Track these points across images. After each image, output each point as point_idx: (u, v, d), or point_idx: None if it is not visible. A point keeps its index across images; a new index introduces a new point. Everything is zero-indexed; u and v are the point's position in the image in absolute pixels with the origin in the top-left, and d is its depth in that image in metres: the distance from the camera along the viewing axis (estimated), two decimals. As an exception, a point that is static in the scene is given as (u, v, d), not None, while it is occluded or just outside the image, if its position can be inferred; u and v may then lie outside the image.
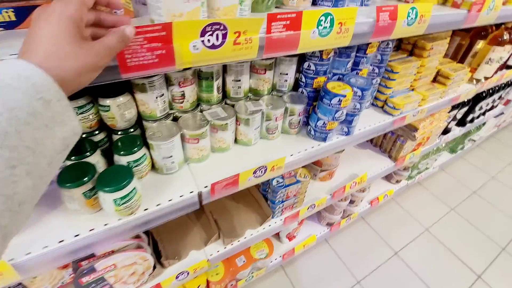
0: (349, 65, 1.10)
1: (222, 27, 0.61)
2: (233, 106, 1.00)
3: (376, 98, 1.33)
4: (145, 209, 0.81)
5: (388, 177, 2.07)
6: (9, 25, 0.56)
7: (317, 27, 0.75)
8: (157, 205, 0.82)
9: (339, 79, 1.11)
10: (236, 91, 0.99)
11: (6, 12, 0.55)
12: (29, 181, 0.31)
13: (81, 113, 0.80)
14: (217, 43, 0.62)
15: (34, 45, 0.34)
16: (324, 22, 0.76)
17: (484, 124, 2.44)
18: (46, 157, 0.32)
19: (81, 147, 0.81)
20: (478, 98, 1.91)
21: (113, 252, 0.97)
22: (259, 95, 1.04)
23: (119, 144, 0.83)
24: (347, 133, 1.13)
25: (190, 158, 0.94)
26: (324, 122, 1.04)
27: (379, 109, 1.34)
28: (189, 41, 0.59)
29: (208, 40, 0.61)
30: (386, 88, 1.28)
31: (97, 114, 0.84)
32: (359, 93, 1.05)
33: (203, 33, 0.59)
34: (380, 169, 1.59)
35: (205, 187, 0.88)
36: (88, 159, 0.80)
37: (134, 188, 0.75)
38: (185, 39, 0.58)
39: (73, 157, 0.78)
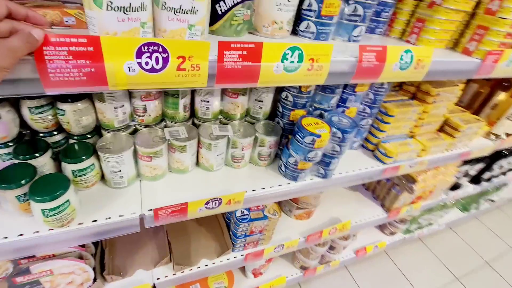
0: (334, 101, 1.01)
1: (161, 49, 0.56)
2: (199, 126, 0.94)
3: (367, 140, 1.22)
4: (80, 223, 0.76)
5: (381, 227, 1.88)
6: None
7: (282, 61, 0.68)
8: (93, 221, 0.77)
9: (320, 115, 1.02)
10: (204, 112, 0.93)
11: None
12: None
13: (38, 113, 0.78)
14: (157, 67, 0.58)
15: None
16: (291, 56, 0.69)
17: (505, 184, 2.19)
18: None
19: (32, 147, 0.79)
20: (498, 155, 1.71)
21: (53, 256, 0.93)
22: (230, 119, 0.98)
23: (67, 150, 0.80)
24: (324, 176, 1.04)
25: (142, 175, 0.89)
26: (296, 160, 0.96)
27: (369, 153, 1.22)
28: (123, 61, 0.54)
29: (146, 63, 0.56)
30: (378, 131, 1.17)
31: (55, 115, 0.82)
32: (339, 134, 0.95)
33: (139, 54, 0.55)
34: (369, 218, 1.44)
35: (149, 210, 0.82)
36: (37, 160, 0.77)
37: (67, 201, 0.71)
38: (118, 58, 0.54)
39: (21, 156, 0.76)
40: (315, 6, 0.80)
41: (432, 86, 1.15)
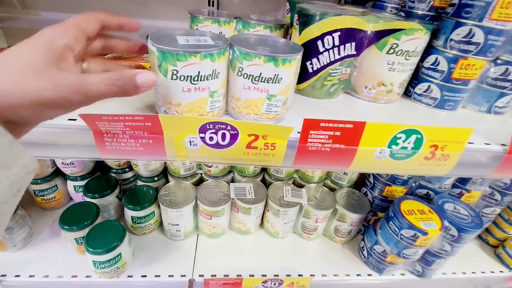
0: (450, 181, 0.75)
1: (229, 127, 0.45)
2: (269, 185, 0.81)
3: (488, 231, 0.88)
4: (129, 276, 0.72)
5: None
6: None
7: (389, 147, 0.49)
8: (143, 276, 0.72)
9: (426, 197, 0.76)
10: (277, 169, 0.80)
11: None
12: None
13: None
14: (223, 143, 0.47)
15: None
16: (404, 141, 0.49)
17: None
18: None
19: (102, 183, 0.79)
20: None
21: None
22: (307, 180, 0.82)
23: (132, 194, 0.77)
24: (421, 275, 0.77)
25: (201, 230, 0.81)
26: (385, 251, 0.73)
27: (488, 249, 0.88)
28: (184, 136, 0.45)
29: (211, 138, 0.46)
30: (509, 224, 0.83)
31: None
32: (454, 232, 0.69)
33: (203, 130, 0.45)
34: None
35: (200, 275, 0.73)
36: (103, 199, 0.78)
37: (119, 255, 0.67)
38: (179, 133, 0.45)
39: (90, 194, 0.76)
40: (443, 66, 0.58)
41: None
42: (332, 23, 0.52)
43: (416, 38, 0.54)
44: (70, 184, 0.82)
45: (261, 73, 0.44)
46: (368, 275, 0.77)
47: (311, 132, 0.47)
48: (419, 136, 0.49)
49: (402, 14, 0.65)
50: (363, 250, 0.80)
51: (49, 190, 0.81)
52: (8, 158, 0.24)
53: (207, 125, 0.45)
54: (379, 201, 0.80)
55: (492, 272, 0.81)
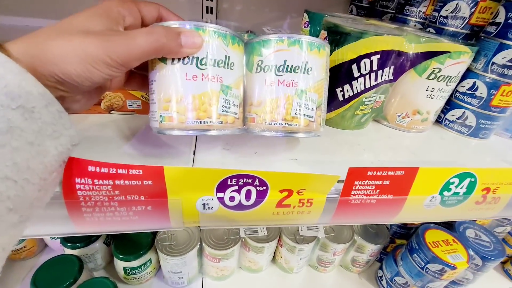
0: (472, 209, 0.70)
1: (257, 182, 0.34)
2: (280, 219, 0.72)
3: (499, 248, 0.86)
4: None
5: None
6: None
7: (441, 193, 0.42)
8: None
9: (447, 224, 0.71)
10: (289, 203, 0.70)
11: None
12: (13, 216, 0.23)
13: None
14: (247, 203, 0.36)
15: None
16: (457, 186, 0.42)
17: None
18: (34, 183, 0.24)
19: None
20: None
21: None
22: (321, 212, 0.74)
23: (120, 240, 0.64)
24: (439, 302, 0.73)
25: (206, 273, 0.70)
26: (406, 283, 0.67)
27: (496, 266, 0.86)
28: (196, 197, 0.34)
29: (231, 198, 0.35)
30: (522, 241, 0.81)
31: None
32: (478, 261, 0.64)
33: (222, 188, 0.34)
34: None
35: (208, 328, 0.62)
36: (89, 247, 0.64)
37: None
38: (190, 193, 0.34)
39: (69, 244, 0.62)
40: (482, 91, 0.51)
41: None
42: (372, 44, 0.43)
43: (460, 62, 0.46)
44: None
45: (285, 60, 0.34)
46: (388, 307, 0.71)
47: (355, 183, 0.38)
48: (472, 179, 0.42)
49: (432, 30, 0.57)
50: (382, 280, 0.73)
51: (17, 239, 0.65)
52: (57, 128, 0.25)
53: (228, 180, 0.34)
54: (398, 228, 0.74)
55: (504, 290, 0.79)
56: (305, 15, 0.60)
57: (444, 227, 0.68)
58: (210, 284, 0.70)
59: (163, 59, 0.31)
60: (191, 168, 0.33)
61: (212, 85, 0.32)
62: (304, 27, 0.61)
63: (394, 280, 0.69)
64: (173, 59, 0.30)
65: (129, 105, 0.45)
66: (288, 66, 0.34)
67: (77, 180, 0.29)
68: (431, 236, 0.64)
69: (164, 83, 0.31)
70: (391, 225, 0.74)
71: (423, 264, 0.62)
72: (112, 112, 0.45)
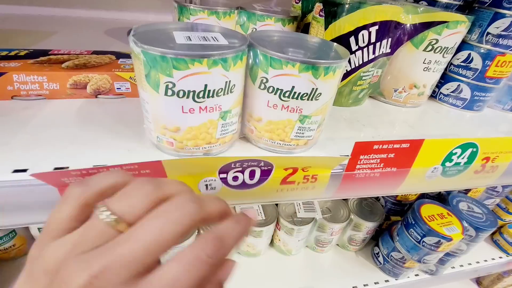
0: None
1: (262, 163, 0.31)
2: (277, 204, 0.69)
3: (486, 220, 0.87)
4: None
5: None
6: None
7: (443, 164, 0.39)
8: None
9: (439, 197, 0.70)
10: (286, 186, 0.68)
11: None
12: None
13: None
14: (250, 182, 0.33)
15: None
16: (459, 156, 0.40)
17: None
18: None
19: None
20: None
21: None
22: (317, 194, 0.71)
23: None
24: (434, 273, 0.72)
25: (205, 260, 0.67)
26: (403, 258, 0.66)
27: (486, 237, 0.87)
28: (197, 179, 0.31)
29: (235, 178, 0.32)
30: (506, 213, 0.81)
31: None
32: (472, 232, 0.63)
33: (225, 170, 0.31)
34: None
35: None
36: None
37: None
38: (191, 177, 0.30)
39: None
40: (477, 63, 0.49)
41: None
42: (371, 14, 0.39)
43: (457, 32, 0.44)
44: (34, 227, 0.61)
45: (293, 87, 0.30)
46: (385, 281, 0.70)
47: (361, 157, 0.35)
48: (474, 149, 0.40)
49: (424, 3, 0.54)
50: (378, 256, 0.72)
51: (6, 238, 0.60)
52: None
53: (232, 164, 0.30)
54: (392, 205, 0.72)
55: (493, 259, 0.80)
56: (297, -10, 0.56)
57: (437, 201, 0.67)
58: (210, 271, 0.67)
59: (155, 87, 0.26)
60: (192, 158, 0.30)
61: (211, 115, 0.29)
62: (296, 2, 0.57)
63: (391, 256, 0.68)
64: (166, 91, 0.26)
65: (117, 88, 0.40)
66: (295, 93, 0.30)
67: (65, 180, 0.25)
68: (426, 210, 0.63)
69: (159, 110, 0.28)
70: (385, 202, 0.73)
71: (420, 237, 0.61)
72: (99, 96, 0.40)
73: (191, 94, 0.27)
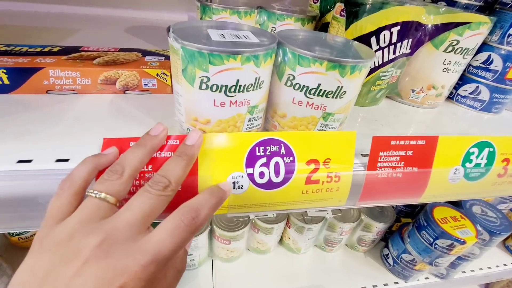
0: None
1: (283, 150, 0.32)
2: (289, 200, 0.70)
3: (499, 225, 0.86)
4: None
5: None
6: (0, 89, 0.38)
7: (463, 165, 0.40)
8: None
9: (452, 201, 0.70)
10: (298, 184, 0.68)
11: (-6, 73, 0.36)
12: None
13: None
14: (276, 179, 0.34)
15: None
16: (477, 156, 0.40)
17: None
18: None
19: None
20: None
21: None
22: (329, 193, 0.72)
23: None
24: (444, 277, 0.72)
25: (216, 255, 0.68)
26: (414, 260, 0.66)
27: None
28: (226, 173, 0.32)
29: (261, 174, 0.33)
30: (521, 217, 0.81)
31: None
32: (486, 236, 0.63)
33: (250, 162, 0.31)
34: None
35: (221, 308, 0.61)
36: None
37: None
38: (219, 167, 0.31)
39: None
40: (497, 64, 0.49)
41: None
42: (393, 14, 0.40)
43: (479, 33, 0.44)
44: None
45: (319, 85, 0.31)
46: (395, 283, 0.71)
47: (380, 154, 0.36)
48: (491, 149, 0.40)
49: (443, 3, 0.55)
50: (388, 258, 0.73)
51: (24, 226, 0.61)
52: None
53: (257, 149, 0.31)
54: (403, 206, 0.72)
55: (505, 265, 0.79)
56: (315, -11, 0.57)
57: (450, 204, 0.67)
58: (220, 266, 0.68)
59: (190, 81, 0.28)
60: (221, 133, 0.31)
61: (240, 109, 0.31)
62: (314, 2, 0.58)
63: (401, 257, 0.68)
64: (201, 85, 0.28)
65: (144, 84, 0.41)
66: (321, 90, 0.31)
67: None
68: (439, 212, 0.63)
69: (192, 103, 0.30)
70: (397, 205, 0.73)
71: (432, 240, 0.61)
72: (126, 92, 0.41)
73: (224, 88, 0.28)
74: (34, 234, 0.64)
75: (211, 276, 0.66)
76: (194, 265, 0.65)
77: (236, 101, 0.30)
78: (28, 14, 0.73)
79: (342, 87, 0.32)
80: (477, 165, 0.41)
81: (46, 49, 0.43)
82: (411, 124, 0.47)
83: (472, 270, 0.76)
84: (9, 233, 0.62)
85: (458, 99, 0.55)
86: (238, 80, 0.28)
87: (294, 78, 0.32)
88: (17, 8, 0.75)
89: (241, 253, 0.69)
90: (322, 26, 0.57)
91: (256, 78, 0.29)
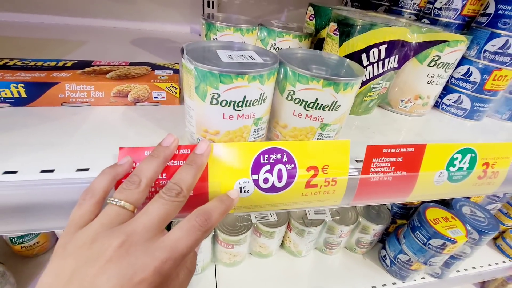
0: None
1: (286, 158, 0.37)
2: (289, 205, 0.74)
3: (489, 225, 0.92)
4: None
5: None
6: (18, 102, 0.41)
7: (447, 169, 0.45)
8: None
9: (444, 202, 0.75)
10: (297, 190, 0.73)
11: (15, 87, 0.40)
12: None
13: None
14: (279, 184, 0.38)
15: None
16: (460, 161, 0.45)
17: None
18: None
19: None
20: None
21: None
22: (327, 198, 0.76)
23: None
24: (439, 276, 0.77)
25: (219, 260, 0.71)
26: (410, 260, 0.71)
27: (489, 242, 0.92)
28: (233, 179, 0.36)
29: (265, 180, 0.37)
30: (508, 218, 0.86)
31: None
32: (475, 235, 0.68)
33: (256, 169, 0.36)
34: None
35: (225, 312, 0.64)
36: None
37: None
38: (227, 174, 0.35)
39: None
40: (476, 76, 0.55)
41: None
42: (381, 34, 0.45)
43: (457, 50, 0.50)
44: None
45: (317, 99, 0.36)
46: (393, 283, 0.75)
47: (373, 160, 0.41)
48: (473, 154, 0.45)
49: (427, 21, 0.61)
50: (385, 259, 0.77)
51: (30, 235, 0.64)
52: None
53: (261, 158, 0.36)
54: (398, 208, 0.77)
55: (496, 263, 0.84)
56: (310, 8, 0.63)
57: (441, 205, 0.72)
58: (223, 271, 0.71)
59: (202, 97, 0.32)
60: (229, 143, 0.35)
61: (246, 121, 0.35)
62: (309, 19, 0.63)
63: (398, 258, 0.73)
64: (211, 101, 0.32)
65: (154, 97, 0.46)
66: (318, 104, 0.36)
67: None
68: (431, 214, 0.68)
69: (203, 116, 0.34)
70: (391, 206, 0.78)
71: (425, 240, 0.66)
72: (137, 104, 0.46)
73: (232, 103, 0.33)
74: (37, 243, 0.66)
75: (214, 281, 0.69)
76: (197, 270, 0.68)
77: (243, 114, 0.35)
78: (33, 26, 0.76)
79: (337, 101, 0.36)
80: (460, 169, 0.46)
81: (61, 64, 0.47)
82: (401, 131, 0.52)
83: (466, 269, 0.81)
84: (11, 241, 0.64)
85: (443, 107, 0.60)
86: (245, 96, 0.33)
87: (294, 93, 0.36)
88: (22, 20, 0.79)
89: (244, 257, 0.72)
90: (318, 42, 0.62)
91: (261, 94, 0.34)
